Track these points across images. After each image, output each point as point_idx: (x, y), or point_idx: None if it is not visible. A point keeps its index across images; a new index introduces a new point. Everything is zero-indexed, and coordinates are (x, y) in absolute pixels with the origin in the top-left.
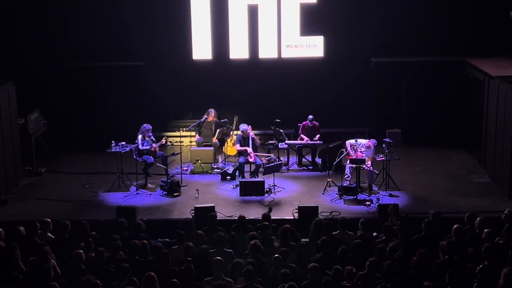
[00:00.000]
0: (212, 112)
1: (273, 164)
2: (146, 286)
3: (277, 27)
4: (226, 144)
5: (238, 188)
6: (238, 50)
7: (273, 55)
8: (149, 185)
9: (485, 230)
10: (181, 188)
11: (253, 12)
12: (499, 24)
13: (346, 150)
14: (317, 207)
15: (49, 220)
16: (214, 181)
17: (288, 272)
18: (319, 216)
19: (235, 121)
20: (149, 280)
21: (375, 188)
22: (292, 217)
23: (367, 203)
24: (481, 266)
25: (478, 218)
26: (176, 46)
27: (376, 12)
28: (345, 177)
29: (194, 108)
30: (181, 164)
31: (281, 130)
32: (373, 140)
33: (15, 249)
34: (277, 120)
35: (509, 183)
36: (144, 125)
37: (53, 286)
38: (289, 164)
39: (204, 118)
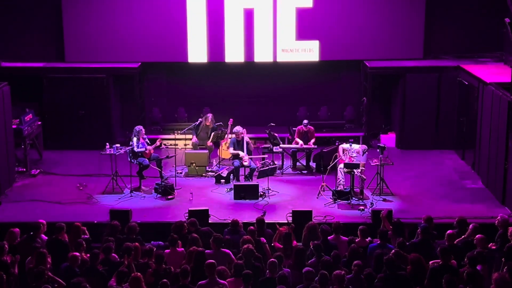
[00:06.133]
0: (210, 117)
1: (267, 167)
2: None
3: (273, 31)
4: (220, 147)
5: (232, 191)
6: (234, 53)
7: (269, 59)
8: (143, 187)
9: (477, 237)
10: (175, 191)
11: (249, 16)
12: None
13: (339, 154)
14: (311, 212)
15: (44, 221)
16: (208, 184)
17: (285, 274)
18: (313, 220)
19: (229, 125)
20: (134, 281)
21: (367, 193)
22: (286, 221)
23: (361, 207)
24: (469, 271)
25: (471, 224)
26: (171, 48)
27: (371, 17)
28: (338, 181)
29: (189, 111)
30: (175, 167)
31: (276, 134)
32: (363, 146)
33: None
34: (272, 124)
35: (502, 188)
36: (136, 127)
37: None
38: (284, 168)
39: (199, 121)
